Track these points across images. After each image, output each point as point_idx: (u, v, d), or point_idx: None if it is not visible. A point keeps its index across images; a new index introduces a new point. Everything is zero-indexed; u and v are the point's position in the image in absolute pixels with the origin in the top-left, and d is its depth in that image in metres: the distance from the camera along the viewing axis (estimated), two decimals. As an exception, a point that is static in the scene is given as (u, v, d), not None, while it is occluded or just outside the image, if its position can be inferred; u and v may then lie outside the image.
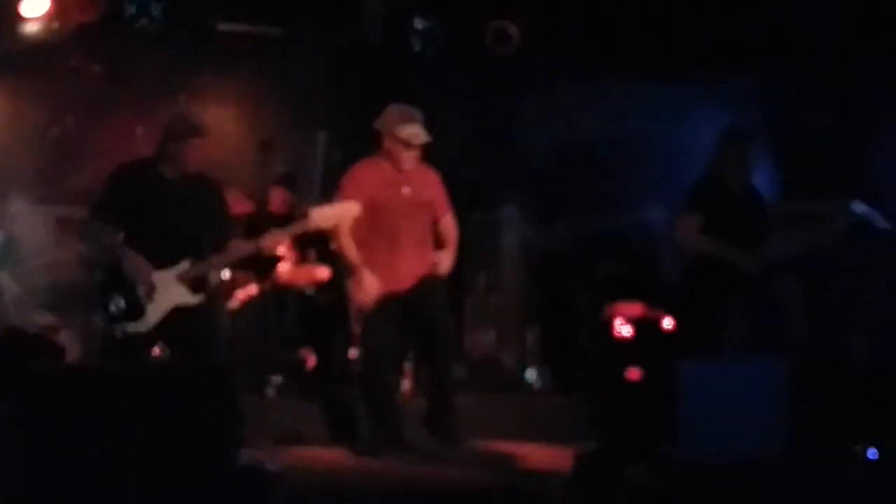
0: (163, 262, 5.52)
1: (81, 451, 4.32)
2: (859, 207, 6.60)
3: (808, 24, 7.63)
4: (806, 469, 5.26)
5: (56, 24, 7.45)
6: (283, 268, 5.52)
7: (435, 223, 6.12)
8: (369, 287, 5.88)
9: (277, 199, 7.53)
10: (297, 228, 5.75)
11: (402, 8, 8.16)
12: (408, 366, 7.00)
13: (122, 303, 5.49)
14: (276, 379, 6.82)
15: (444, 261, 6.02)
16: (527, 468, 5.78)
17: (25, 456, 4.34)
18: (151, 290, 5.47)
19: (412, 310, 5.96)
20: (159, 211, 5.55)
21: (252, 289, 6.91)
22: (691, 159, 6.97)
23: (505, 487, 5.33)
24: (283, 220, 7.33)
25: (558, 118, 8.61)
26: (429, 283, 5.94)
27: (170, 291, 5.50)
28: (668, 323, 7.28)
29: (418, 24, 8.15)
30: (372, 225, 5.94)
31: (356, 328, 7.29)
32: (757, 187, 6.62)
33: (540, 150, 8.66)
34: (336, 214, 5.65)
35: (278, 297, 7.01)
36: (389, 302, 5.93)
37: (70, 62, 7.79)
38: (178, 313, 5.53)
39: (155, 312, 5.49)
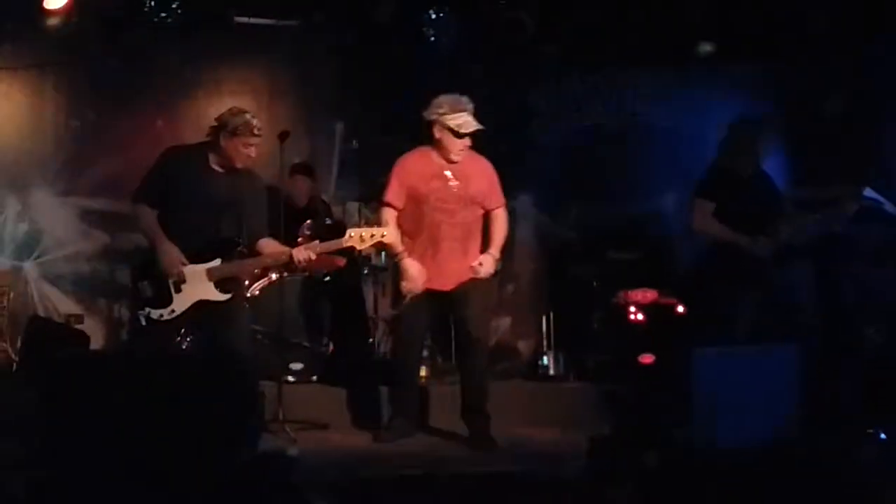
0: (196, 254, 5.59)
1: (105, 435, 4.38)
2: (870, 194, 6.60)
3: (818, 11, 7.61)
4: (818, 454, 5.29)
5: (77, 17, 7.52)
6: (302, 254, 5.58)
7: (484, 216, 6.08)
8: (414, 275, 5.85)
9: (297, 189, 7.59)
10: (332, 246, 5.75)
11: (416, -1, 8.19)
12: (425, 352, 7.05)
13: (149, 289, 5.58)
14: (296, 365, 6.87)
15: (487, 262, 5.93)
16: (542, 453, 5.84)
17: (52, 441, 4.44)
18: (181, 281, 5.54)
19: (449, 310, 6.01)
20: (203, 201, 5.62)
21: (271, 277, 6.97)
22: (703, 148, 6.98)
23: (521, 472, 5.37)
24: (304, 212, 7.42)
25: (571, 108, 8.64)
26: (469, 289, 5.91)
27: (198, 286, 5.58)
28: (680, 309, 7.34)
29: (432, 13, 8.15)
30: (416, 217, 5.93)
31: (378, 315, 7.42)
32: (768, 173, 6.63)
33: (553, 139, 8.69)
34: (372, 237, 5.62)
35: (297, 283, 7.06)
36: (427, 297, 5.92)
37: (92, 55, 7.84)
38: (202, 308, 5.61)
39: (180, 303, 5.57)
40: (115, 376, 4.57)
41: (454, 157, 5.88)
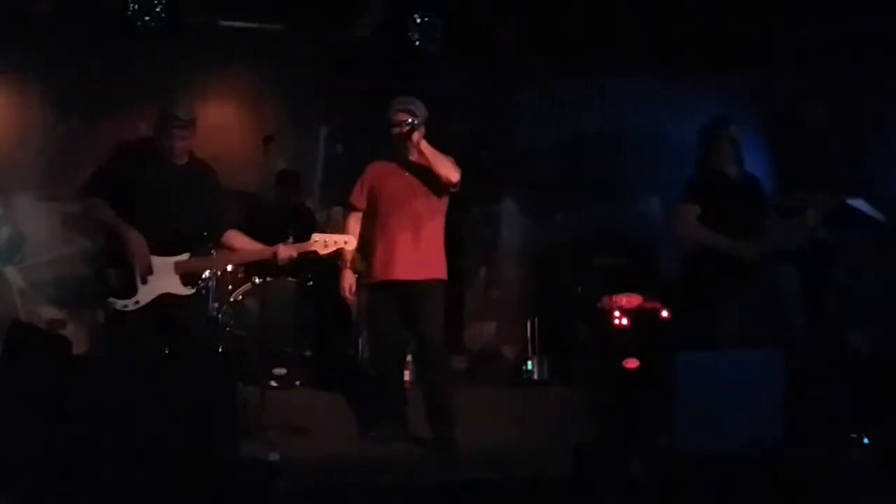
0: (159, 247, 5.54)
1: (84, 441, 4.37)
2: (855, 200, 6.60)
3: (801, 20, 7.65)
4: (802, 459, 5.29)
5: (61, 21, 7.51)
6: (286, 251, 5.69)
7: (442, 207, 6.15)
8: (344, 286, 6.16)
9: (280, 194, 7.59)
10: (303, 248, 5.82)
11: (402, 3, 8.18)
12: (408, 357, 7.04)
13: (114, 278, 5.52)
14: (279, 370, 6.85)
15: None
16: (526, 459, 5.82)
17: (30, 446, 4.41)
18: (147, 272, 5.51)
19: (408, 310, 6.03)
20: (157, 194, 5.57)
21: (254, 281, 6.95)
22: (688, 154, 6.98)
23: (504, 478, 5.36)
24: (287, 216, 7.41)
25: (556, 113, 8.65)
26: (422, 289, 6.00)
27: (164, 278, 5.55)
28: (665, 314, 7.34)
29: (417, 18, 8.16)
30: (373, 214, 6.13)
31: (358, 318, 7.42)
32: (753, 174, 6.59)
33: (538, 144, 8.70)
34: (335, 243, 5.81)
35: (280, 288, 7.05)
36: (387, 293, 6.05)
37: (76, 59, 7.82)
38: (166, 300, 5.57)
39: (145, 295, 5.52)
40: (93, 380, 4.55)
41: (404, 155, 6.08)
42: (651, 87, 8.53)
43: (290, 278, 7.10)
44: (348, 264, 6.16)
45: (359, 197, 6.21)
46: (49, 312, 7.67)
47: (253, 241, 5.87)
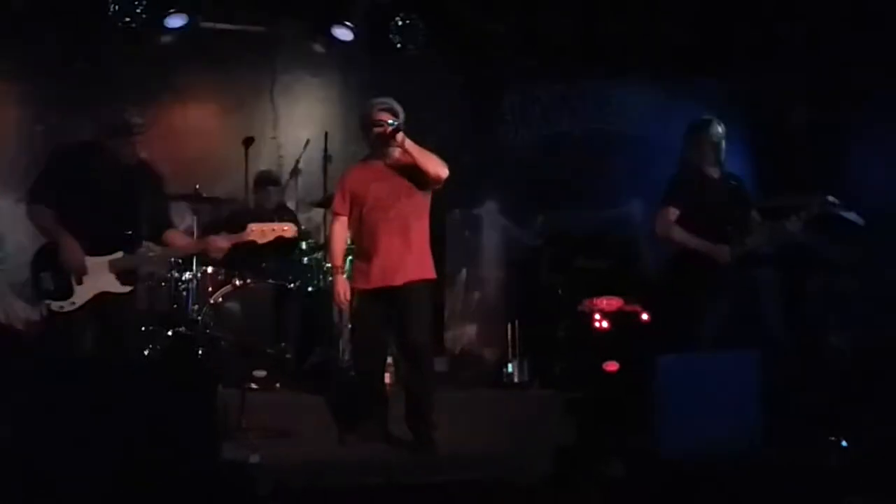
0: (97, 246, 5.60)
1: (62, 445, 4.36)
2: (835, 204, 6.62)
3: (784, 25, 7.69)
4: (783, 460, 5.32)
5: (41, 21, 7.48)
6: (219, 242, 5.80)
7: (426, 205, 6.09)
8: (338, 291, 6.03)
9: (263, 196, 7.59)
10: (237, 239, 5.86)
11: (384, 5, 8.18)
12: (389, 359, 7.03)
13: (50, 281, 5.58)
14: (259, 372, 6.84)
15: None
16: (507, 461, 5.83)
17: (12, 447, 4.40)
18: (82, 273, 5.55)
19: (394, 313, 5.99)
20: (98, 196, 5.62)
21: (235, 283, 6.94)
22: (668, 156, 7.00)
23: (485, 480, 5.37)
24: (267, 217, 7.39)
25: (537, 116, 8.67)
26: (410, 292, 5.94)
27: (99, 277, 5.60)
28: (645, 317, 7.36)
29: (399, 20, 8.16)
30: (359, 220, 6.04)
31: (339, 321, 7.41)
32: (736, 175, 6.58)
33: (519, 147, 8.72)
34: (273, 231, 5.83)
35: (261, 290, 7.04)
36: (372, 297, 5.99)
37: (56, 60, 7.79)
38: (102, 299, 5.61)
39: (81, 295, 5.57)
40: (70, 383, 4.54)
41: (384, 158, 6.01)
42: (633, 90, 8.56)
43: (271, 280, 7.08)
44: (340, 270, 6.09)
45: (341, 203, 6.11)
46: (29, 314, 7.61)
47: (188, 238, 6.02)
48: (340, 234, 6.14)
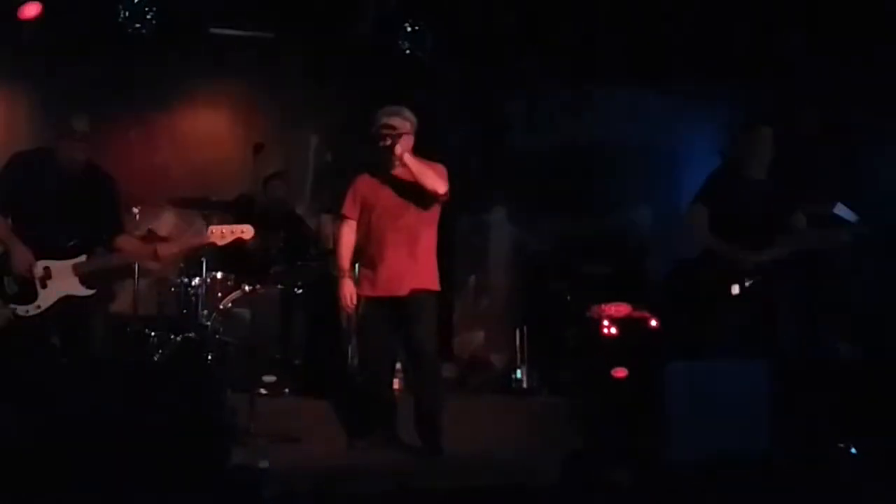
0: (58, 251, 5.76)
1: (72, 448, 4.39)
2: (841, 209, 6.61)
3: (791, 31, 7.68)
4: (791, 467, 5.32)
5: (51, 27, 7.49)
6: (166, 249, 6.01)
7: (434, 216, 6.08)
8: (345, 295, 6.02)
9: (273, 193, 7.61)
10: (194, 241, 6.12)
11: (393, 11, 8.19)
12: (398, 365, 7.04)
13: (14, 285, 5.73)
14: (269, 378, 6.85)
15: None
16: (515, 467, 5.82)
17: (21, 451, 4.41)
18: (46, 276, 5.71)
19: (401, 321, 5.99)
20: (55, 201, 5.77)
21: (244, 289, 6.95)
22: (676, 162, 7.02)
23: (494, 486, 5.36)
24: (276, 221, 7.42)
25: (546, 122, 8.68)
26: (416, 300, 5.94)
27: (63, 281, 5.75)
28: (653, 323, 7.36)
29: (408, 26, 8.17)
30: (366, 226, 6.04)
31: (347, 327, 7.41)
32: (780, 181, 6.47)
33: (528, 153, 8.72)
34: (231, 233, 5.95)
35: (269, 296, 7.05)
36: (380, 305, 5.99)
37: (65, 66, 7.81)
38: (67, 302, 5.77)
39: (46, 299, 5.74)
40: (82, 386, 4.56)
41: (391, 167, 6.00)
42: (640, 96, 8.55)
43: (280, 286, 7.09)
44: (347, 274, 6.08)
45: (351, 208, 6.11)
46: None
47: (142, 244, 6.18)
48: (349, 237, 6.13)
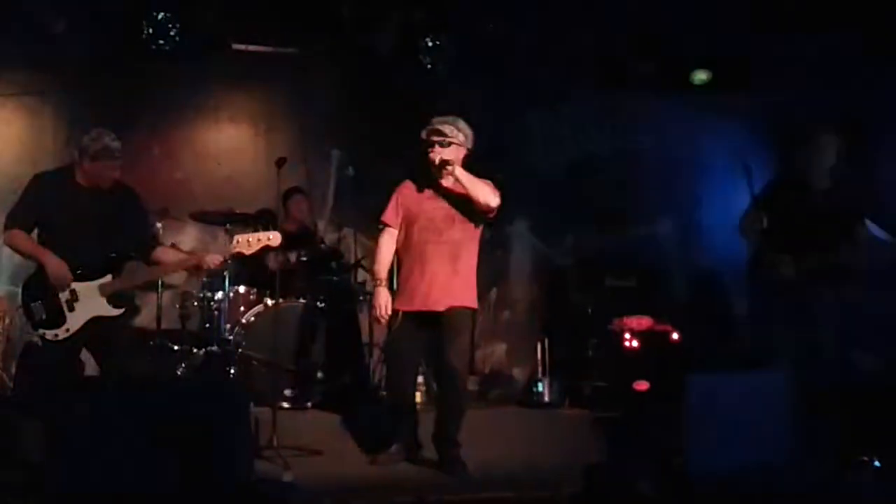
0: (84, 272, 5.67)
1: (98, 461, 4.42)
2: (867, 223, 6.57)
3: (811, 42, 7.66)
4: (814, 480, 5.29)
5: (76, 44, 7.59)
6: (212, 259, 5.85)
7: (478, 233, 6.01)
8: (380, 304, 5.90)
9: (295, 208, 7.65)
10: (225, 252, 5.92)
11: (413, 26, 8.23)
12: (420, 378, 7.06)
13: (42, 310, 5.65)
14: (291, 391, 6.87)
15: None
16: (537, 480, 5.83)
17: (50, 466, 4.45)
18: (73, 298, 5.64)
19: (433, 336, 5.92)
20: (79, 221, 5.69)
21: (266, 303, 6.99)
22: (698, 175, 7.00)
23: (515, 499, 5.36)
24: (297, 235, 7.45)
25: (567, 134, 8.68)
26: (452, 319, 5.86)
27: (91, 302, 5.67)
28: (675, 336, 7.35)
29: (429, 41, 8.21)
30: (408, 238, 5.96)
31: (369, 341, 7.43)
32: (841, 188, 6.37)
33: (549, 165, 8.73)
34: (258, 241, 5.80)
35: (292, 310, 7.08)
36: (413, 318, 5.90)
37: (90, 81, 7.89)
38: (97, 324, 5.68)
39: (74, 321, 5.65)
40: (103, 401, 4.58)
41: (439, 179, 5.91)
42: (663, 108, 8.55)
43: (302, 300, 7.12)
44: (384, 283, 5.95)
45: (393, 216, 6.01)
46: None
47: (184, 255, 6.08)
48: (388, 246, 6.02)
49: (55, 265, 5.60)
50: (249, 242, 5.79)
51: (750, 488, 5.01)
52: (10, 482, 4.92)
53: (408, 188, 6.03)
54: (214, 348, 7.02)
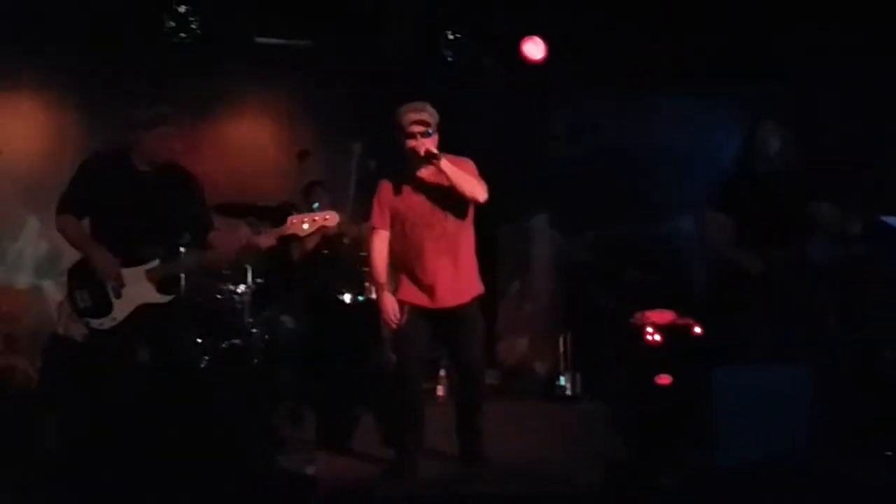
0: (132, 257, 5.43)
1: (123, 451, 4.46)
2: (889, 217, 6.53)
3: (830, 34, 7.62)
4: (838, 474, 5.28)
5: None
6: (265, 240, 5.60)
7: (470, 218, 5.77)
8: (387, 310, 5.71)
9: (314, 200, 7.65)
10: (278, 233, 5.62)
11: (435, 19, 8.23)
12: (442, 371, 7.07)
13: (87, 298, 5.42)
14: (317, 386, 6.89)
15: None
16: (559, 474, 5.81)
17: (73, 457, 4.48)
18: (119, 286, 5.40)
19: (446, 330, 5.80)
20: (130, 205, 5.42)
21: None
22: (718, 168, 6.95)
23: (537, 494, 5.36)
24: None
25: (587, 128, 8.67)
26: (462, 309, 5.74)
27: (138, 289, 5.42)
28: (697, 330, 7.33)
29: (449, 35, 8.20)
30: (401, 236, 5.76)
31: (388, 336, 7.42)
32: (789, 174, 6.24)
33: (569, 160, 8.72)
34: (314, 221, 5.57)
35: (317, 305, 7.10)
36: (425, 316, 5.76)
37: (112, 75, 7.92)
38: (145, 311, 5.44)
39: (122, 309, 5.41)
40: (132, 392, 4.61)
41: (419, 169, 5.69)
42: (684, 103, 8.52)
43: (323, 293, 7.13)
44: (385, 287, 5.74)
45: (379, 218, 5.75)
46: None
47: (238, 237, 5.72)
48: (381, 249, 5.76)
49: (103, 260, 5.38)
50: (304, 223, 5.54)
51: (774, 481, 5.00)
52: (29, 479, 4.89)
53: (387, 186, 5.75)
54: (237, 341, 7.04)
